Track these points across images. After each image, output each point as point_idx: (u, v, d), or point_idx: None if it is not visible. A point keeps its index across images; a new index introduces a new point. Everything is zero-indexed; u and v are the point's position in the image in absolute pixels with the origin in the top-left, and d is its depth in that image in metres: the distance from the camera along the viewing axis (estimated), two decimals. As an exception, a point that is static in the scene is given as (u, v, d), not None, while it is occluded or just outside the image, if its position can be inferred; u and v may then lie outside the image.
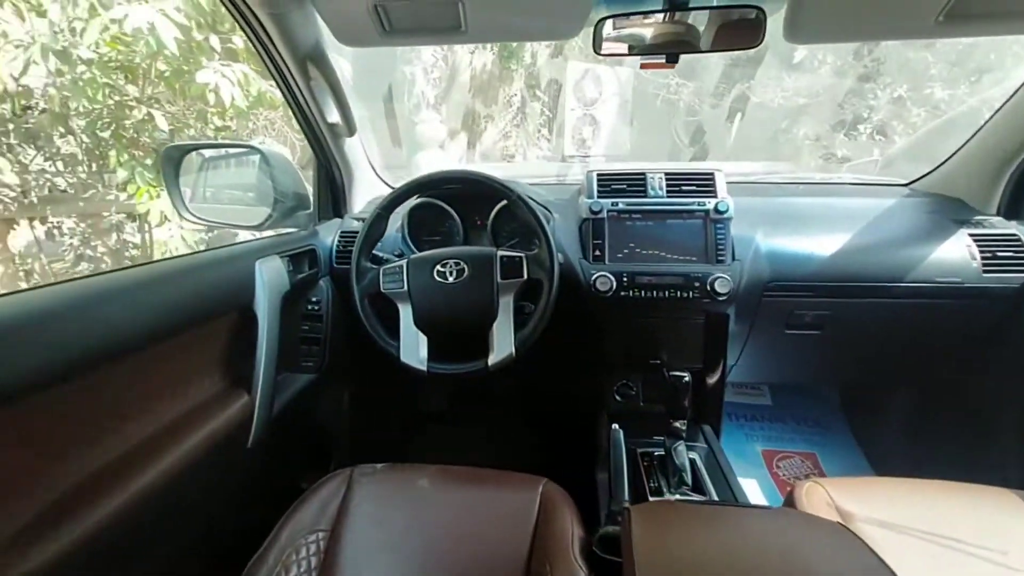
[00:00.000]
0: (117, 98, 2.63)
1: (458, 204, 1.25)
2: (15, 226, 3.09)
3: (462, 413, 1.69)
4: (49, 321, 0.56)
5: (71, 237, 3.23)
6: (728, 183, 1.14)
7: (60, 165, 3.11)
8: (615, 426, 1.03)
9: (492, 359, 0.95)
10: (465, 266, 0.98)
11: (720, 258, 1.07)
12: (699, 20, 0.91)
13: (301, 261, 1.12)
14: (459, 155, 5.18)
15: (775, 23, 0.88)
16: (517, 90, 5.56)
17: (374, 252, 1.08)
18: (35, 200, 3.02)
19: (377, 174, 1.45)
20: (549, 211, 1.22)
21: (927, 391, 1.37)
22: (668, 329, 1.16)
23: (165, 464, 0.73)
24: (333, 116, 1.10)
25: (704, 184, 1.13)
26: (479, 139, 5.43)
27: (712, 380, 1.17)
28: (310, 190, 1.33)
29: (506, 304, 0.97)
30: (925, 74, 4.74)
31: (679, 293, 1.06)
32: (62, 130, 2.75)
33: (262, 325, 0.93)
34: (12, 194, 2.88)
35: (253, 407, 0.92)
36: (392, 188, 1.50)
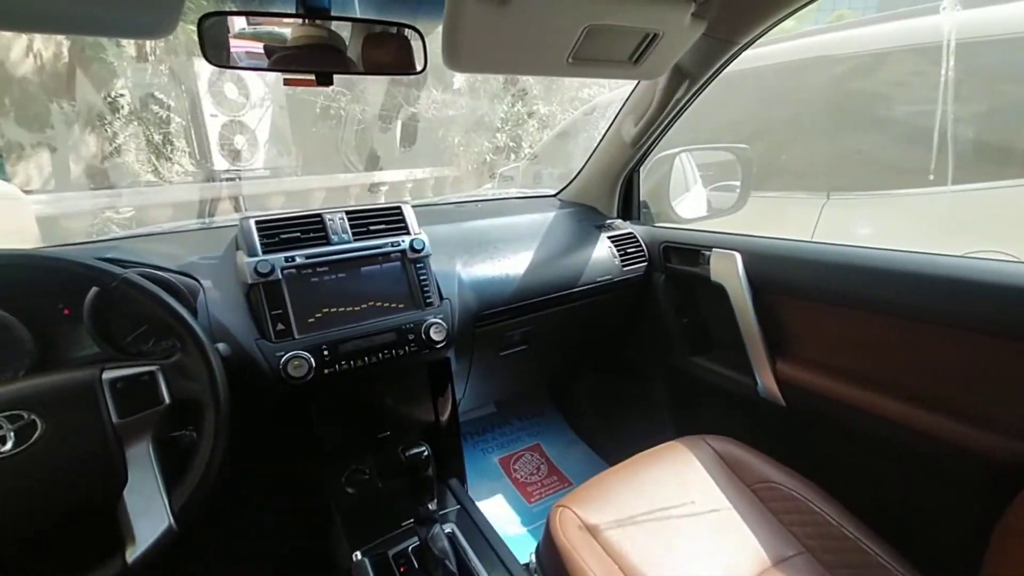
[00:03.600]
0: None
1: (11, 295, 0.74)
2: None
3: None
4: None
5: None
6: (413, 205, 1.05)
7: None
8: (358, 555, 0.80)
9: (135, 552, 0.58)
10: (37, 419, 0.56)
11: (428, 300, 0.97)
12: (351, 34, 0.75)
13: None
14: (41, 181, 3.59)
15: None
16: (124, 89, 4.25)
17: None
18: None
19: None
20: (197, 280, 0.86)
21: (601, 365, 1.67)
22: (389, 393, 1.00)
23: None
24: None
25: (393, 220, 1.00)
26: (77, 155, 3.91)
27: (446, 427, 1.09)
28: None
29: (140, 454, 0.61)
30: (531, 92, 6.02)
31: (394, 351, 0.90)
32: None
33: None
34: None
35: None
36: None
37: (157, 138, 4.31)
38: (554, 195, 1.60)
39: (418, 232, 1.00)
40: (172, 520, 0.61)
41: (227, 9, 0.65)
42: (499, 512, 1.38)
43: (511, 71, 1.03)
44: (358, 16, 0.77)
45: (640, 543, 0.82)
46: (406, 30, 0.77)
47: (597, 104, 2.97)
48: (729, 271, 1.11)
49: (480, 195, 1.56)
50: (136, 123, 4.21)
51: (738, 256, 1.10)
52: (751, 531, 0.85)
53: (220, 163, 4.68)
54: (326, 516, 0.96)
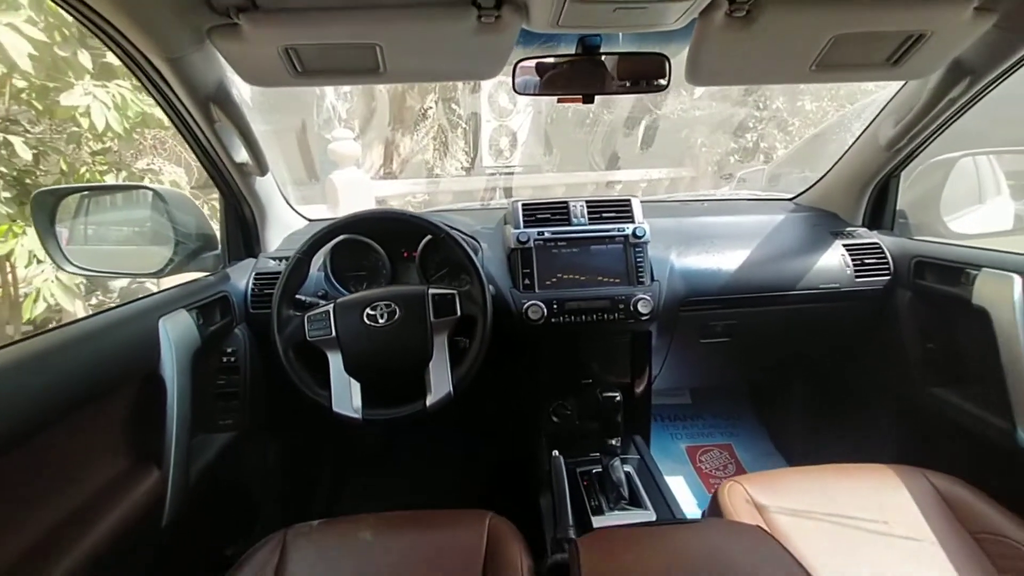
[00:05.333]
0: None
1: (383, 238, 1.22)
2: None
3: (398, 453, 1.63)
4: None
5: None
6: (643, 201, 1.23)
7: None
8: (556, 453, 1.05)
9: (430, 400, 0.94)
10: (396, 308, 0.96)
11: (640, 279, 1.14)
12: (610, 63, 0.97)
13: (212, 310, 1.03)
14: (376, 170, 5.03)
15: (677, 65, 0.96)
16: (432, 102, 5.51)
17: (296, 296, 1.02)
18: None
19: (292, 207, 1.38)
20: (477, 242, 1.22)
21: (816, 380, 1.56)
22: (597, 349, 1.21)
23: (68, 564, 0.65)
24: (241, 156, 1.03)
25: (622, 210, 1.19)
26: (396, 153, 5.31)
27: (640, 393, 1.25)
28: (216, 228, 1.24)
29: (440, 343, 0.96)
30: (797, 88, 5.38)
31: (605, 316, 1.11)
32: None
33: (171, 390, 0.84)
34: None
35: (166, 482, 0.83)
36: (307, 220, 1.44)
37: (449, 140, 5.48)
38: (790, 199, 1.55)
39: (641, 222, 1.18)
40: (451, 388, 0.95)
41: (532, 55, 0.94)
42: (676, 488, 1.46)
43: (749, 82, 1.11)
44: (622, 51, 0.98)
45: (813, 538, 0.84)
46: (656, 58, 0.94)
47: (880, 99, 2.55)
48: (1000, 295, 0.96)
49: (709, 195, 1.62)
50: (436, 128, 5.43)
51: (1017, 279, 0.94)
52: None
53: (487, 160, 5.67)
54: (535, 433, 1.25)
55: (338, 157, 3.58)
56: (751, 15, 0.79)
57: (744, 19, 0.80)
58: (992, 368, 0.97)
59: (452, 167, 5.84)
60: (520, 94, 0.99)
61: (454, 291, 0.99)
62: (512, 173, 5.52)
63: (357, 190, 3.43)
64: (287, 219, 1.35)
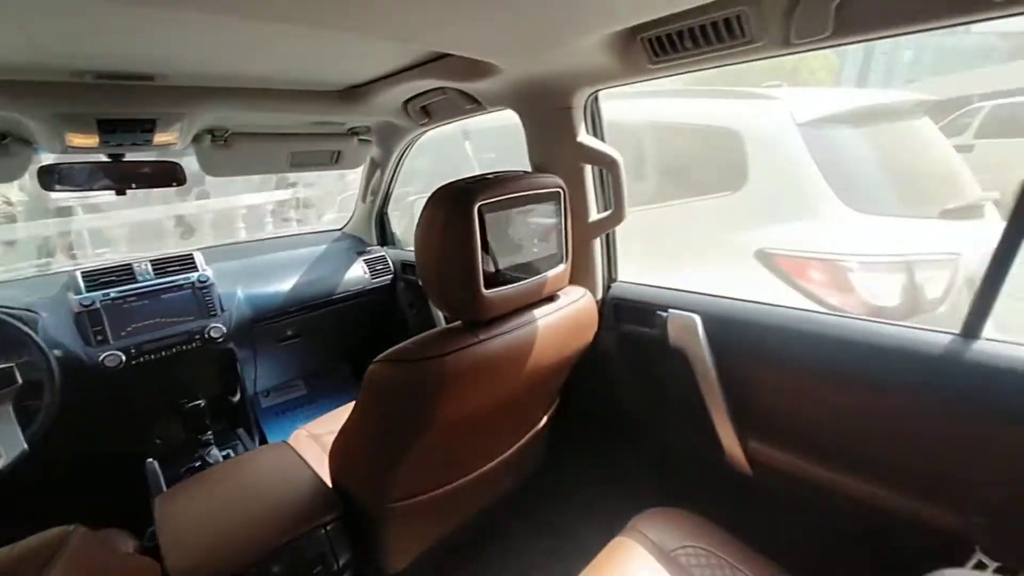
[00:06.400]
0: None
1: None
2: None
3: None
4: None
5: None
6: (212, 247, 1.59)
7: None
8: (149, 460, 1.34)
9: (2, 463, 1.08)
10: None
11: (212, 312, 1.52)
12: (137, 166, 1.28)
13: None
14: None
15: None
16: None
17: None
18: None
19: None
20: (34, 312, 1.33)
21: (376, 350, 2.29)
22: (189, 375, 1.54)
23: None
24: None
25: (186, 263, 1.53)
26: None
27: (235, 397, 1.64)
28: None
29: (5, 411, 1.10)
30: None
31: (185, 347, 1.44)
32: None
33: None
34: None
35: None
36: None
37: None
38: (339, 229, 2.20)
39: (205, 269, 1.54)
40: (25, 445, 1.11)
41: (55, 163, 1.16)
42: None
43: (249, 173, 1.63)
44: (143, 158, 1.30)
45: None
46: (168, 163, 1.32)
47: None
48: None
49: (277, 234, 2.12)
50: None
51: None
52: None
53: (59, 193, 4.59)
54: (139, 459, 1.44)
55: None
56: (228, 143, 1.29)
57: (225, 145, 1.29)
58: (425, 319, 1.82)
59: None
60: (50, 191, 1.20)
61: (11, 364, 1.14)
62: (90, 206, 4.67)
63: None
64: None
